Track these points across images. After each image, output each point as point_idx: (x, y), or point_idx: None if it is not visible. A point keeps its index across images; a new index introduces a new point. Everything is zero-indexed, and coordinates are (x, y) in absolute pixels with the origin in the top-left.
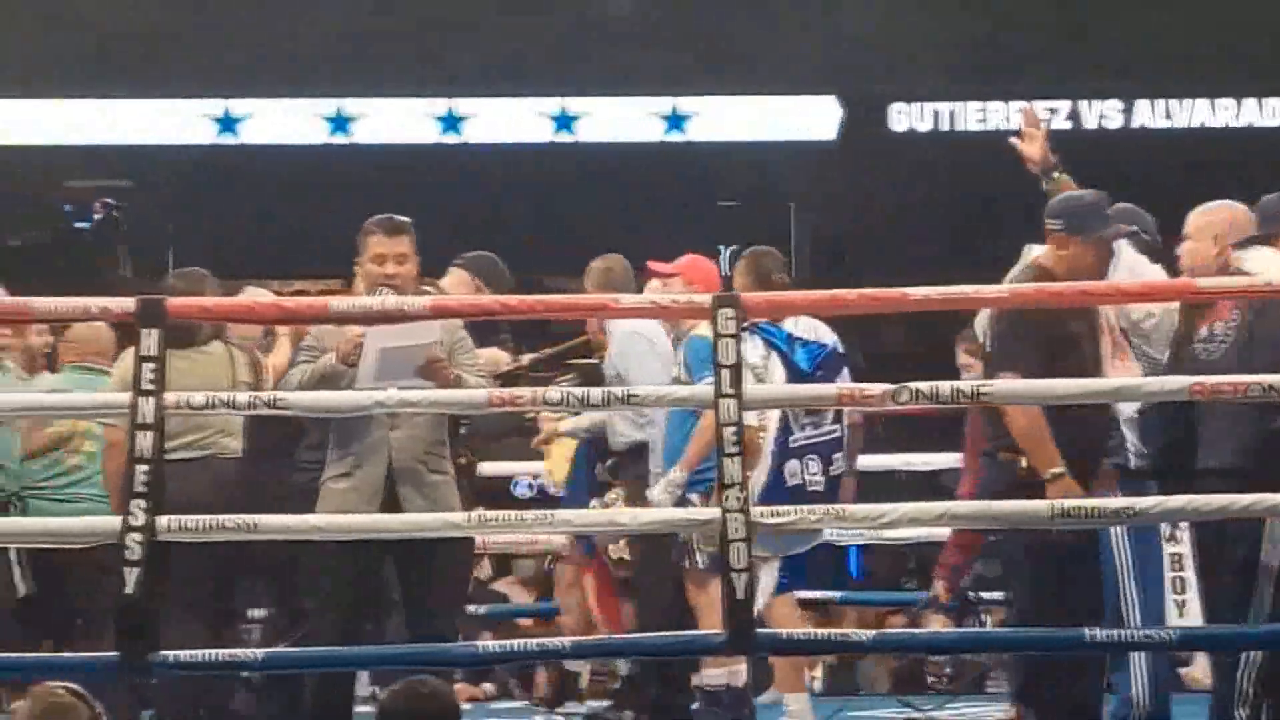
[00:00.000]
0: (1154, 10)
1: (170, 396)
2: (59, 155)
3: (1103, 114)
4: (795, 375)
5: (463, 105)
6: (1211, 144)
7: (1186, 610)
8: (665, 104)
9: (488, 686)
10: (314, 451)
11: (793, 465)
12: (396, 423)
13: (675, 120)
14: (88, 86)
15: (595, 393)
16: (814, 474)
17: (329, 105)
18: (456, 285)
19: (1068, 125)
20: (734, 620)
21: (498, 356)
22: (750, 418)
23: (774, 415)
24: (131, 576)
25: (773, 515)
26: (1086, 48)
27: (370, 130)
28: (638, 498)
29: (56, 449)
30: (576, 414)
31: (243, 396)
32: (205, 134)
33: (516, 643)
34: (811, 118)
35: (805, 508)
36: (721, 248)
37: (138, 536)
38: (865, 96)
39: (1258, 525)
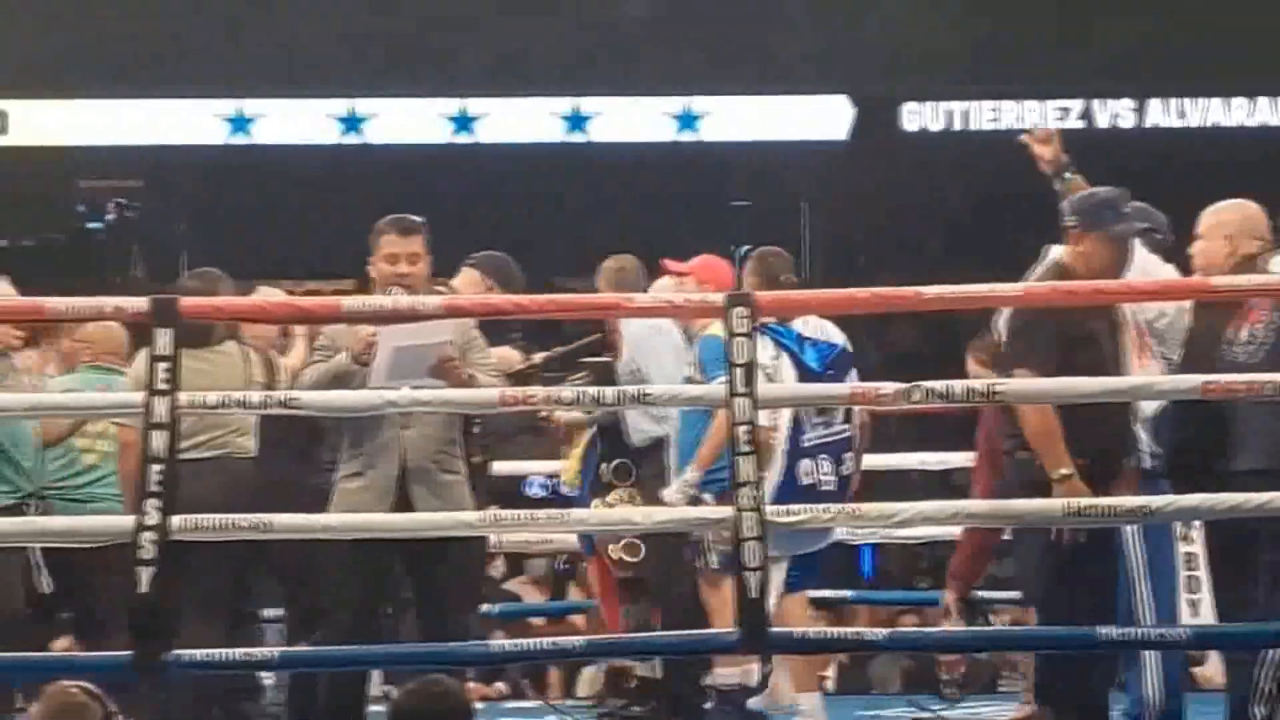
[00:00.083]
0: (1167, 9)
1: (184, 396)
2: (72, 155)
3: (1116, 113)
4: (806, 375)
5: (474, 105)
6: (1225, 143)
7: (1199, 609)
8: (677, 104)
9: (500, 686)
10: (334, 453)
11: (806, 465)
12: (409, 422)
13: (687, 120)
14: (100, 87)
15: (609, 391)
16: (826, 474)
17: (341, 105)
18: (468, 285)
19: (1081, 124)
20: (747, 619)
21: (510, 356)
22: (763, 418)
23: (786, 415)
24: (145, 575)
25: (786, 514)
26: (1099, 47)
27: (382, 130)
28: (656, 493)
29: (70, 436)
30: (589, 413)
31: (256, 396)
32: (217, 134)
33: (529, 642)
34: (824, 117)
35: (819, 506)
36: (733, 248)
37: (151, 536)
38: (877, 96)
39: (1273, 524)
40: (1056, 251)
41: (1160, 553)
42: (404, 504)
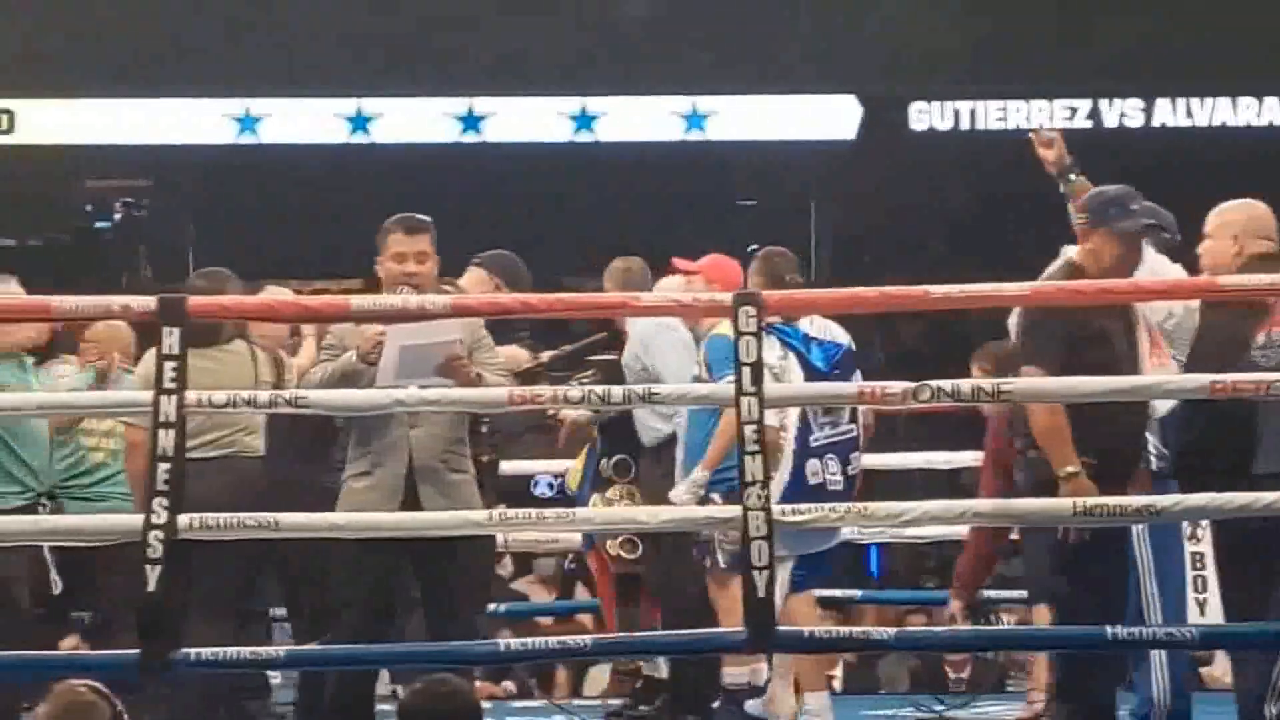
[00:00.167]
0: (1174, 9)
1: (191, 395)
2: (78, 155)
3: (1123, 113)
4: (812, 375)
5: (482, 104)
6: (1233, 143)
7: (1207, 609)
8: (685, 103)
9: (508, 685)
10: (346, 452)
11: (814, 464)
12: (416, 421)
13: (695, 119)
14: (107, 86)
15: (616, 390)
16: (833, 473)
17: (348, 105)
18: (476, 284)
19: (1088, 124)
20: (755, 618)
21: (517, 355)
22: (771, 418)
23: (794, 415)
24: (153, 574)
25: (794, 513)
26: (1107, 46)
27: (390, 130)
28: (662, 490)
29: (75, 425)
30: (596, 412)
31: (264, 395)
32: (225, 134)
33: (537, 641)
34: (831, 116)
35: (827, 506)
36: (749, 248)
37: (159, 534)
38: (885, 95)
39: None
40: (1070, 251)
41: (1168, 553)
42: (412, 503)
